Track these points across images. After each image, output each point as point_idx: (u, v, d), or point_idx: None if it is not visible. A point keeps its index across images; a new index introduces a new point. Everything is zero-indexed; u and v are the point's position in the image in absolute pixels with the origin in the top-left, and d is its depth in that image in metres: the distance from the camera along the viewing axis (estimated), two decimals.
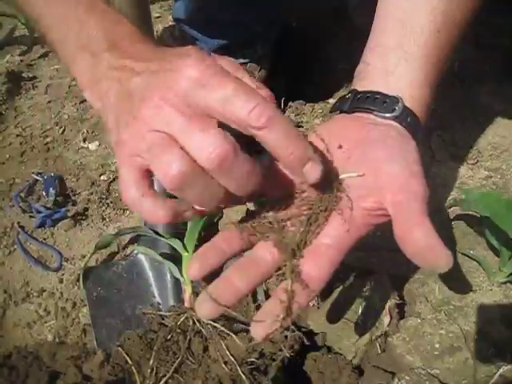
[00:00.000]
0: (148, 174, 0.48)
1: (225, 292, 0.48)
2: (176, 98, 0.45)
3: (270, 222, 0.53)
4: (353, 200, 0.52)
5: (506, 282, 0.85)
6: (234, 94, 0.44)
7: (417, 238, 0.45)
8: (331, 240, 0.51)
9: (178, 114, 0.45)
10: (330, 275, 0.50)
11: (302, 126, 1.15)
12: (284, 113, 1.22)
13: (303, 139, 0.47)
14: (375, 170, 0.51)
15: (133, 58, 0.51)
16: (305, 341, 0.80)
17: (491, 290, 0.85)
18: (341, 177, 0.54)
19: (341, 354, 0.85)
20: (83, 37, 0.54)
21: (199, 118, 0.45)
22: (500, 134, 1.10)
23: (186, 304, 0.84)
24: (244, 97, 0.44)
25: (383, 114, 0.56)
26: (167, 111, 0.45)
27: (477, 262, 0.88)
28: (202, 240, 0.77)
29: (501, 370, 0.75)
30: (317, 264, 0.50)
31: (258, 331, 0.47)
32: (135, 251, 0.93)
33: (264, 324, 0.46)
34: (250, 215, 0.55)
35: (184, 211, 0.49)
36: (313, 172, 0.48)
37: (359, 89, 0.60)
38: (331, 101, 1.25)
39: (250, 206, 0.55)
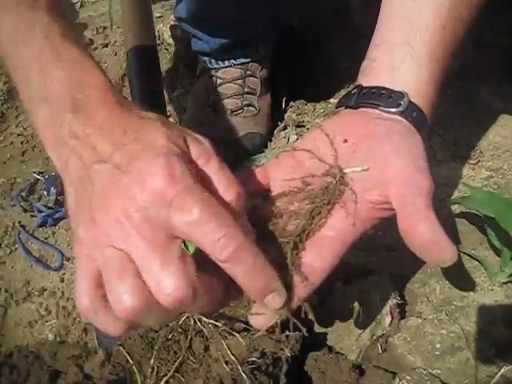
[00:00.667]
0: (103, 282, 0.44)
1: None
2: (137, 215, 0.42)
3: (273, 217, 0.53)
4: (357, 193, 0.52)
5: (507, 282, 0.85)
6: (199, 219, 0.41)
7: (422, 231, 0.46)
8: (335, 232, 0.51)
9: (139, 236, 0.42)
10: (333, 268, 0.50)
11: (304, 126, 1.15)
12: (285, 112, 1.22)
13: (269, 271, 0.45)
14: (381, 164, 0.52)
15: (98, 128, 0.46)
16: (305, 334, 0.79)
17: (492, 290, 0.85)
18: (345, 171, 0.54)
19: (342, 354, 0.85)
20: (45, 89, 0.49)
21: (161, 244, 0.42)
22: (501, 133, 1.09)
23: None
24: (210, 225, 0.41)
25: (389, 109, 0.57)
26: (127, 230, 0.42)
27: (478, 261, 0.87)
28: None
29: (502, 371, 0.75)
30: (319, 255, 0.50)
31: (258, 322, 0.47)
32: None
33: (263, 315, 0.47)
34: (253, 209, 0.55)
35: (138, 324, 0.46)
36: (273, 302, 0.46)
37: (364, 84, 0.61)
38: (332, 100, 1.25)
39: (254, 200, 0.55)
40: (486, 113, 1.14)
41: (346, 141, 0.56)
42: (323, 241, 0.51)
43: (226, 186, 0.46)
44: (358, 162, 0.54)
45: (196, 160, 0.46)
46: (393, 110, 0.56)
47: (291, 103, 1.25)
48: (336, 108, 0.67)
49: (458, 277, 0.87)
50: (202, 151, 0.47)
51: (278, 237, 0.51)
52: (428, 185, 0.49)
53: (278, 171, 0.58)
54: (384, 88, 0.58)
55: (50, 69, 0.49)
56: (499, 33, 1.32)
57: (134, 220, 0.42)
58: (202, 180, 0.45)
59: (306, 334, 0.55)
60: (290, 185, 0.56)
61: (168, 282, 0.40)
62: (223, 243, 0.41)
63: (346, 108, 0.62)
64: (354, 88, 0.62)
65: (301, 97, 1.27)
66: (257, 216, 0.53)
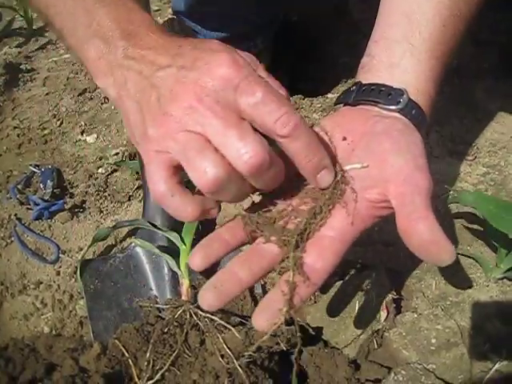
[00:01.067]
0: (177, 171, 0.49)
1: (228, 283, 0.48)
2: (208, 98, 0.46)
3: (273, 216, 0.53)
4: (357, 192, 0.52)
5: (502, 278, 0.85)
6: (263, 100, 0.45)
7: (420, 231, 0.45)
8: (335, 232, 0.51)
9: (213, 116, 0.46)
10: (334, 268, 0.50)
11: None
12: None
13: (322, 149, 0.50)
14: (380, 162, 0.51)
15: (152, 49, 0.50)
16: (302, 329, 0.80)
17: (488, 285, 0.85)
18: (345, 168, 0.54)
19: (337, 349, 0.85)
20: (94, 26, 0.53)
21: (235, 121, 0.46)
22: (498, 130, 1.10)
23: (183, 297, 0.84)
24: (272, 105, 0.46)
25: (388, 107, 0.56)
26: (201, 112, 0.46)
27: (473, 258, 0.88)
28: (200, 233, 0.77)
29: (496, 366, 0.76)
30: (320, 256, 0.49)
31: (259, 323, 0.46)
32: (132, 244, 0.92)
33: (266, 316, 0.46)
34: (253, 206, 0.55)
35: (211, 208, 0.51)
36: (325, 179, 0.51)
37: (364, 81, 0.60)
38: (330, 96, 1.25)
39: (253, 197, 0.55)
40: (483, 110, 1.15)
41: (344, 138, 0.56)
42: (323, 241, 0.51)
43: (277, 87, 0.50)
44: (357, 159, 0.54)
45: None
46: (392, 107, 0.56)
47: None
48: (334, 105, 0.67)
49: (454, 272, 0.87)
50: (251, 60, 0.50)
51: (278, 235, 0.51)
52: (427, 184, 0.49)
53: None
54: (383, 85, 0.58)
55: (95, 10, 0.53)
56: (497, 31, 1.32)
57: (207, 102, 0.46)
58: None
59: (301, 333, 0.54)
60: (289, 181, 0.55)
61: (248, 149, 0.45)
62: (284, 120, 0.46)
63: (344, 105, 0.62)
64: (353, 85, 0.61)
65: (298, 92, 1.27)
66: (257, 214, 0.53)
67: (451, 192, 0.97)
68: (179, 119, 0.47)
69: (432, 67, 0.59)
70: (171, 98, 0.47)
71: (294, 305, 0.47)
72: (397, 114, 0.56)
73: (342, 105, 0.63)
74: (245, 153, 0.44)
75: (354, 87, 0.61)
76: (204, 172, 0.45)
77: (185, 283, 0.85)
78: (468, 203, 0.84)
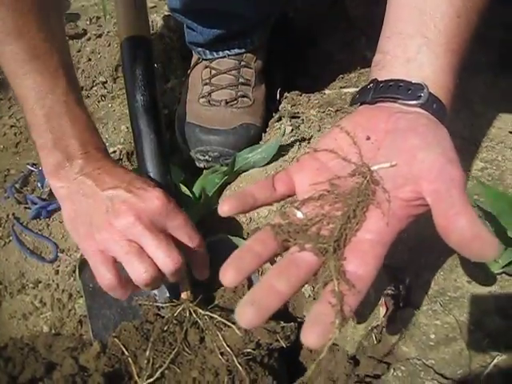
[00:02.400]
0: (116, 264, 0.70)
1: (267, 297, 0.46)
2: (146, 219, 0.68)
3: (305, 225, 0.51)
4: (389, 191, 0.50)
5: (501, 273, 0.85)
6: (183, 224, 0.72)
7: (462, 227, 0.44)
8: (372, 235, 0.49)
9: (149, 232, 0.67)
10: (377, 272, 0.48)
11: (299, 117, 1.14)
12: (280, 103, 1.22)
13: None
14: (409, 159, 0.50)
15: (105, 170, 0.72)
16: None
17: (486, 280, 0.85)
18: (373, 168, 0.52)
19: (336, 345, 0.86)
20: (56, 137, 0.71)
21: (163, 237, 0.69)
22: (496, 125, 1.10)
23: (183, 296, 0.84)
24: (186, 228, 0.73)
25: (409, 102, 0.55)
26: (140, 228, 0.67)
27: None
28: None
29: (495, 360, 0.76)
30: (362, 262, 0.48)
31: (312, 340, 0.43)
32: None
33: (318, 331, 0.43)
34: (282, 216, 0.53)
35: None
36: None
37: (380, 78, 0.59)
38: (327, 91, 1.25)
39: (283, 207, 0.54)
40: (480, 105, 1.14)
41: (368, 138, 0.55)
42: (363, 245, 0.49)
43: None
44: (383, 158, 0.52)
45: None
46: (413, 102, 0.55)
47: (286, 94, 1.25)
48: (351, 105, 0.65)
49: (452, 268, 0.87)
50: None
51: (313, 243, 0.49)
52: (461, 177, 0.47)
53: (302, 175, 0.56)
54: (402, 80, 0.57)
55: (59, 119, 0.72)
56: (496, 26, 1.32)
57: (144, 221, 0.68)
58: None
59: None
60: (317, 188, 0.54)
61: (172, 257, 0.69)
62: (192, 237, 0.76)
63: (362, 104, 0.61)
64: (370, 83, 0.60)
65: (295, 88, 1.27)
66: (288, 223, 0.51)
67: None
68: (122, 230, 0.67)
69: (449, 60, 0.57)
70: (117, 213, 0.68)
71: (345, 315, 0.44)
72: (418, 109, 0.55)
73: (358, 105, 0.62)
74: (170, 260, 0.68)
75: (371, 85, 0.59)
76: (141, 272, 0.67)
77: (184, 282, 0.85)
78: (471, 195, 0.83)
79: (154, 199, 0.69)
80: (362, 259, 0.48)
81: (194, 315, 0.82)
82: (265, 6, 1.19)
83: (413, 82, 0.56)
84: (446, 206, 0.46)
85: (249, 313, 0.44)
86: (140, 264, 0.67)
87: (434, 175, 0.48)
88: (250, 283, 0.90)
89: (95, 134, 0.76)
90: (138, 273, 0.67)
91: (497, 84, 1.19)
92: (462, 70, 0.60)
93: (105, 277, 0.69)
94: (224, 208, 0.52)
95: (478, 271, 0.87)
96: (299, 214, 0.52)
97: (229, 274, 0.47)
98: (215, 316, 0.81)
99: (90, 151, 0.73)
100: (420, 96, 0.55)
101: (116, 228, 0.68)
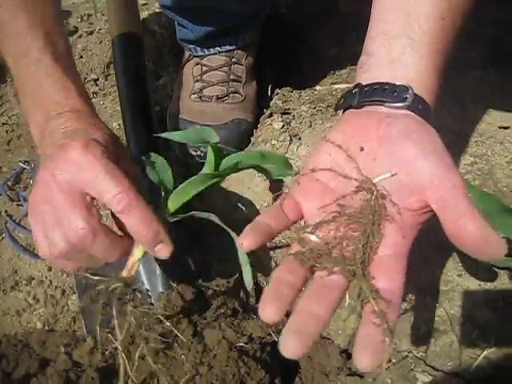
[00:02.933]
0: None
1: (309, 324, 0.45)
2: (60, 177, 0.60)
3: (327, 248, 0.51)
4: (397, 203, 0.51)
5: (490, 267, 0.86)
6: (101, 179, 0.59)
7: (471, 232, 0.45)
8: (391, 250, 0.50)
9: (58, 192, 0.60)
10: (404, 285, 0.49)
11: (290, 113, 1.15)
12: (271, 100, 1.23)
13: (156, 224, 0.63)
14: (408, 169, 0.50)
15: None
16: None
17: (476, 274, 0.86)
18: (375, 181, 0.52)
19: (329, 339, 0.87)
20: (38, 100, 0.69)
21: (76, 199, 0.60)
22: (486, 120, 1.11)
23: (125, 272, 0.72)
24: (109, 184, 0.59)
25: (395, 104, 0.55)
26: (54, 190, 0.60)
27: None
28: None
29: (485, 352, 0.77)
30: (390, 277, 0.48)
31: (366, 362, 0.42)
32: None
33: (369, 352, 0.43)
34: (299, 243, 0.53)
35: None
36: (162, 251, 0.66)
37: (364, 82, 0.59)
38: (318, 88, 1.26)
39: (298, 234, 0.54)
40: (470, 100, 1.15)
41: (362, 149, 0.54)
42: (386, 262, 0.49)
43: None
44: (382, 169, 0.52)
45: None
46: (399, 104, 0.55)
47: (277, 90, 1.25)
48: (336, 110, 0.65)
49: (443, 261, 0.88)
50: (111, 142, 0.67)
51: (341, 265, 0.49)
52: (462, 181, 0.48)
53: (308, 200, 0.56)
54: (386, 83, 0.56)
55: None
56: (485, 21, 1.33)
57: (58, 182, 0.60)
58: None
59: None
60: (326, 211, 0.53)
61: (77, 223, 0.59)
62: (120, 197, 0.59)
63: (346, 109, 0.61)
64: (354, 87, 0.60)
65: (286, 84, 1.27)
66: (309, 249, 0.51)
67: None
68: (42, 193, 0.62)
69: (433, 61, 0.57)
70: (43, 173, 0.62)
71: (392, 331, 0.44)
72: (405, 111, 0.55)
73: (341, 110, 0.62)
74: (75, 226, 0.59)
75: (356, 89, 0.59)
76: (53, 241, 0.61)
77: (136, 254, 0.72)
78: None
79: (69, 152, 0.60)
80: (389, 275, 0.48)
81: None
82: (255, 4, 1.19)
83: (397, 84, 0.56)
84: (453, 214, 0.47)
85: (294, 343, 0.44)
86: (51, 231, 0.61)
87: (437, 184, 0.48)
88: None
89: (72, 96, 0.70)
90: (50, 241, 0.61)
91: (487, 79, 1.20)
92: (445, 70, 0.60)
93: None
94: (245, 244, 0.51)
95: (468, 265, 0.88)
96: (313, 238, 0.52)
97: (269, 310, 0.46)
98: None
99: (63, 113, 0.67)
100: (406, 98, 0.55)
101: (38, 189, 0.62)
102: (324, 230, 0.53)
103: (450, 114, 1.11)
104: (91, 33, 1.40)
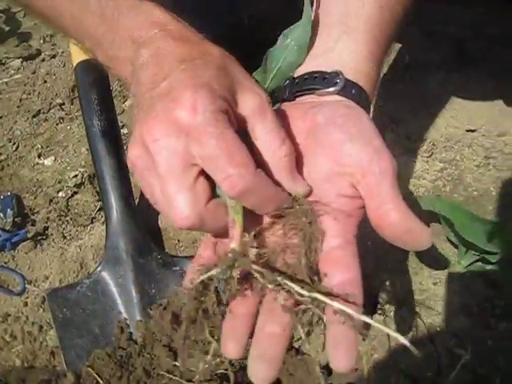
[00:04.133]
0: None
1: (271, 345, 0.44)
2: (161, 141, 0.45)
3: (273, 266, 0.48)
4: (330, 192, 0.50)
5: (464, 273, 0.87)
6: (214, 154, 0.43)
7: (394, 222, 0.44)
8: (337, 241, 0.48)
9: (161, 161, 0.45)
10: (360, 268, 0.47)
11: None
12: None
13: (279, 197, 0.48)
14: (335, 155, 0.49)
15: (156, 56, 0.49)
16: None
17: (451, 281, 0.87)
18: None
19: (309, 355, 0.87)
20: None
21: (175, 171, 0.45)
22: (452, 124, 1.12)
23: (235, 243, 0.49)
24: (221, 162, 0.43)
25: (326, 90, 0.54)
26: (151, 154, 0.45)
27: (435, 255, 0.90)
28: None
29: (463, 360, 0.78)
30: (343, 269, 0.46)
31: (342, 362, 0.41)
32: (98, 269, 0.92)
33: (344, 350, 0.41)
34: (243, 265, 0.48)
35: None
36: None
37: (300, 73, 0.58)
38: None
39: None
40: (436, 104, 1.16)
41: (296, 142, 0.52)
42: (335, 254, 0.48)
43: (279, 143, 0.48)
44: (311, 159, 0.51)
45: (249, 113, 0.48)
46: (330, 89, 0.54)
47: None
48: (272, 105, 0.64)
49: (418, 271, 0.89)
50: (256, 105, 0.48)
51: (289, 276, 0.46)
52: (390, 166, 0.46)
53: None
54: (316, 71, 0.56)
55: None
56: (447, 23, 1.34)
57: (158, 145, 0.45)
58: (252, 133, 0.49)
59: None
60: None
61: (178, 208, 0.44)
62: (232, 181, 0.43)
63: (281, 102, 0.59)
64: (286, 80, 0.59)
65: None
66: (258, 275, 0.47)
67: (411, 188, 1.00)
68: (141, 153, 0.47)
69: (371, 48, 0.57)
70: (140, 125, 0.47)
71: (361, 328, 0.42)
72: (337, 97, 0.54)
73: (277, 104, 0.60)
74: (179, 213, 0.45)
75: (287, 82, 0.58)
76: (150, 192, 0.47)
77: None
78: (429, 207, 0.85)
79: (174, 109, 0.44)
80: (342, 266, 0.47)
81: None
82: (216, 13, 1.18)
83: (328, 71, 0.55)
84: (377, 203, 0.46)
85: (261, 369, 0.43)
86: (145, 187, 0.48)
87: (365, 168, 0.47)
88: None
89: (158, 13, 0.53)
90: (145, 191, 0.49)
91: (451, 82, 1.22)
92: (384, 57, 0.60)
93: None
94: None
95: (442, 273, 0.89)
96: (252, 254, 0.48)
97: (230, 348, 0.45)
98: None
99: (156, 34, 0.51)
100: (336, 82, 0.54)
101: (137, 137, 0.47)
102: (262, 243, 0.50)
103: (417, 120, 1.12)
104: (54, 56, 1.39)
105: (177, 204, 0.44)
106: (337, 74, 0.54)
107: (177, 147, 0.44)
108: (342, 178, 0.49)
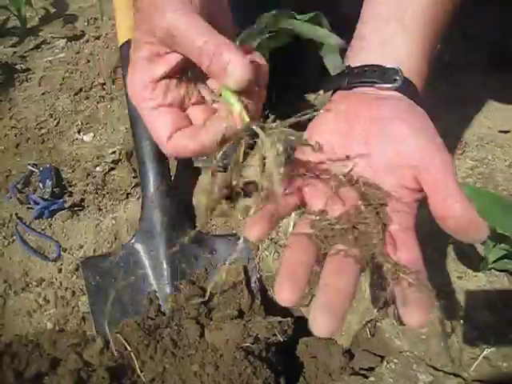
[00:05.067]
0: None
1: (337, 298, 0.43)
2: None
3: (342, 229, 0.49)
4: (392, 183, 0.51)
5: (490, 269, 0.88)
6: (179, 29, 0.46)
7: (458, 214, 0.46)
8: (397, 226, 0.50)
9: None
10: (421, 254, 0.48)
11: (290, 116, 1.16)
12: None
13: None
14: (400, 147, 0.51)
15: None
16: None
17: (476, 276, 0.88)
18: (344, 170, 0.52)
19: (332, 339, 0.88)
20: None
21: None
22: (486, 124, 1.12)
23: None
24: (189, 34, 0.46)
25: (385, 85, 0.56)
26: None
27: (462, 249, 0.90)
28: None
29: (485, 353, 0.79)
30: (406, 249, 0.48)
31: (416, 319, 0.42)
32: (132, 241, 0.95)
33: (418, 309, 0.42)
34: (312, 224, 0.51)
35: None
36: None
37: (355, 64, 0.59)
38: (321, 93, 1.27)
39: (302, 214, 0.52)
40: (471, 105, 1.17)
41: (354, 130, 0.54)
42: (398, 236, 0.49)
43: None
44: (376, 147, 0.52)
45: None
46: (389, 85, 0.56)
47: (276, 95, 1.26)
48: (324, 92, 0.66)
49: (444, 264, 0.90)
50: None
51: (357, 247, 0.48)
52: (451, 161, 0.49)
53: (309, 186, 0.54)
54: (376, 65, 0.57)
55: None
56: (486, 26, 1.34)
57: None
58: None
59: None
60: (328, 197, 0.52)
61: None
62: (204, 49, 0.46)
63: (335, 91, 0.61)
64: (345, 69, 0.60)
65: (289, 89, 1.28)
66: (321, 230, 0.50)
67: None
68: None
69: (424, 46, 0.58)
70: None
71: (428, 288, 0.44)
72: (394, 93, 0.56)
73: (331, 92, 0.62)
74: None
75: (346, 70, 0.60)
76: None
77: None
78: None
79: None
80: (405, 247, 0.48)
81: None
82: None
83: (387, 66, 0.57)
84: (443, 196, 0.47)
85: (325, 319, 0.42)
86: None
87: (428, 162, 0.49)
88: (247, 283, 0.93)
89: None
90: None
91: (487, 84, 1.22)
92: (434, 58, 0.61)
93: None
94: (254, 235, 0.48)
95: (468, 267, 0.89)
96: (324, 222, 0.50)
97: (286, 290, 0.44)
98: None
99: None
100: (396, 79, 0.56)
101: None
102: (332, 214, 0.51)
103: (451, 119, 1.13)
104: (98, 38, 1.43)
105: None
106: (396, 70, 0.56)
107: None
108: (406, 170, 0.50)
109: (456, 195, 0.47)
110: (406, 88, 0.56)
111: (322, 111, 0.56)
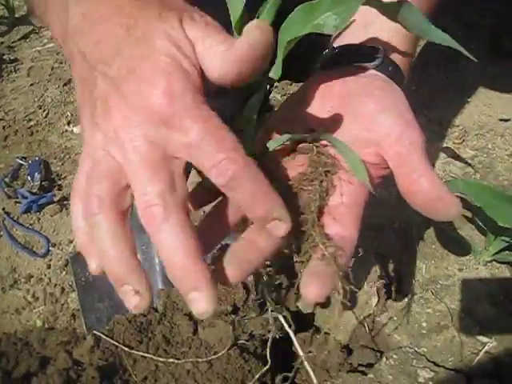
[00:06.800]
0: None
1: (249, 253, 0.43)
2: (136, 129, 0.39)
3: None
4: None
5: (491, 261, 0.86)
6: (198, 140, 0.38)
7: (424, 189, 0.45)
8: (345, 199, 0.50)
9: (132, 150, 0.39)
10: (358, 233, 0.48)
11: None
12: (270, 93, 1.22)
13: (271, 198, 0.41)
14: (367, 124, 0.50)
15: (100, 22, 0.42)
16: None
17: (477, 268, 0.86)
18: (321, 138, 0.52)
19: (329, 334, 0.86)
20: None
21: (153, 162, 0.39)
22: (486, 113, 1.10)
23: None
24: (208, 148, 0.38)
25: (364, 64, 0.55)
26: (124, 141, 0.39)
27: (463, 241, 0.89)
28: None
29: (486, 347, 0.77)
30: (341, 224, 0.48)
31: (312, 290, 0.42)
32: None
33: (316, 279, 0.43)
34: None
35: None
36: (277, 230, 0.42)
37: (336, 45, 0.59)
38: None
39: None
40: (470, 93, 1.15)
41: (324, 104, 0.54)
42: (338, 210, 0.49)
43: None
44: (342, 124, 0.52)
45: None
46: (369, 64, 0.55)
47: (276, 84, 1.24)
48: (309, 72, 0.66)
49: (444, 256, 0.88)
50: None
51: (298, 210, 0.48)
52: (420, 138, 0.47)
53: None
54: (358, 44, 0.57)
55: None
56: (484, 13, 1.32)
57: (132, 132, 0.39)
58: None
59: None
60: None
61: (149, 197, 0.38)
62: (220, 168, 0.38)
63: (319, 70, 0.60)
64: (327, 49, 0.60)
65: (285, 77, 1.26)
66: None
67: (441, 175, 0.98)
68: (104, 136, 0.40)
69: None
70: (104, 111, 0.40)
71: (342, 268, 0.44)
72: (372, 71, 0.55)
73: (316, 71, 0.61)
74: (146, 199, 0.38)
75: (328, 50, 0.59)
76: (89, 201, 0.40)
77: None
78: (458, 191, 0.84)
79: (147, 95, 0.39)
80: (341, 222, 0.48)
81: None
82: None
83: (368, 45, 0.56)
84: (408, 170, 0.46)
85: (234, 268, 0.42)
86: (96, 186, 0.40)
87: (394, 138, 0.48)
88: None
89: None
90: (88, 198, 0.41)
91: (486, 72, 1.20)
92: (418, 40, 0.61)
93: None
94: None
95: (469, 259, 0.88)
96: None
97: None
98: None
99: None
100: (375, 58, 0.55)
101: (99, 131, 0.41)
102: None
103: (450, 107, 1.11)
104: None
105: (153, 189, 0.39)
106: (377, 50, 0.55)
107: (157, 137, 0.39)
108: (368, 145, 0.50)
109: (422, 169, 0.46)
110: (386, 67, 0.55)
111: (300, 86, 0.58)
